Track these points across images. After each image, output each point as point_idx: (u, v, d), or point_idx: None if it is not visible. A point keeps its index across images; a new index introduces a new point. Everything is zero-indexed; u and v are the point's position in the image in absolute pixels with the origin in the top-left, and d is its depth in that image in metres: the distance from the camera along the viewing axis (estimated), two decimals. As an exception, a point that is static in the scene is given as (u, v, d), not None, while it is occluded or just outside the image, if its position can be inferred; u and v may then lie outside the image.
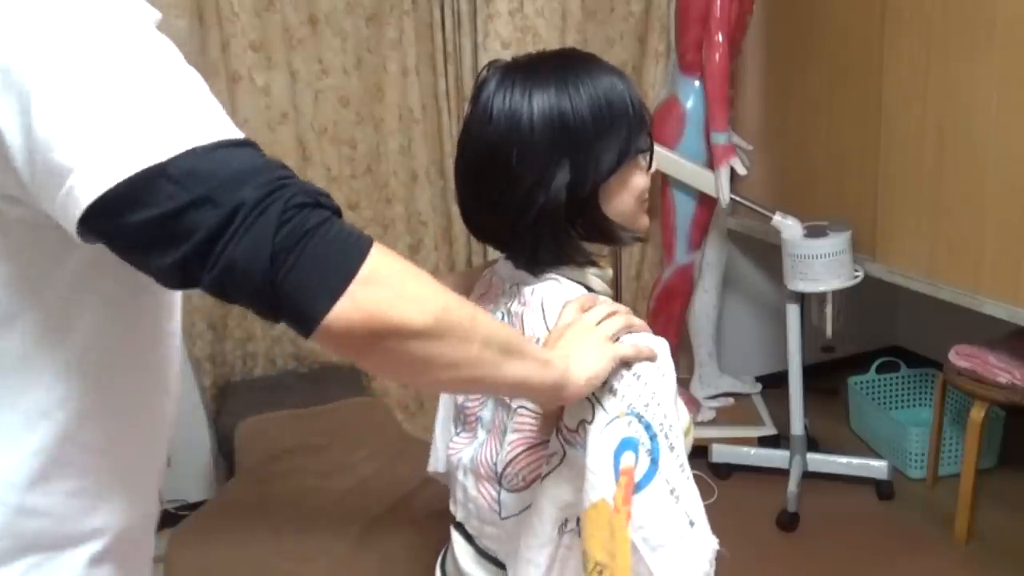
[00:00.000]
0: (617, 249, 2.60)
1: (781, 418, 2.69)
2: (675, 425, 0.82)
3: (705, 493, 2.78)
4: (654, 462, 0.80)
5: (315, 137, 2.57)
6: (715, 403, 2.93)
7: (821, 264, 2.31)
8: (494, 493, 0.96)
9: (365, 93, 2.60)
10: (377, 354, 0.65)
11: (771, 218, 2.43)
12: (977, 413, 2.26)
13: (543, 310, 0.93)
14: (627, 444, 0.80)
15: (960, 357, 2.29)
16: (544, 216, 0.91)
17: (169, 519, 2.43)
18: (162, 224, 0.59)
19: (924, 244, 2.22)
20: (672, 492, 0.80)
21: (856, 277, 2.35)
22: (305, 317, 0.61)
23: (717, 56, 2.41)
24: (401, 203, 2.72)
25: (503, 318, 0.98)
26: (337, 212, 0.64)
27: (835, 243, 2.30)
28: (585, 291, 0.96)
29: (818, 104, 2.53)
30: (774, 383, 3.00)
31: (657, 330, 0.89)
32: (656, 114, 2.61)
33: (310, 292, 0.60)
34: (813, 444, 2.70)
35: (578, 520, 0.86)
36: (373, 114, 2.63)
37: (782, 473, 2.55)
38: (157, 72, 0.62)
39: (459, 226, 2.36)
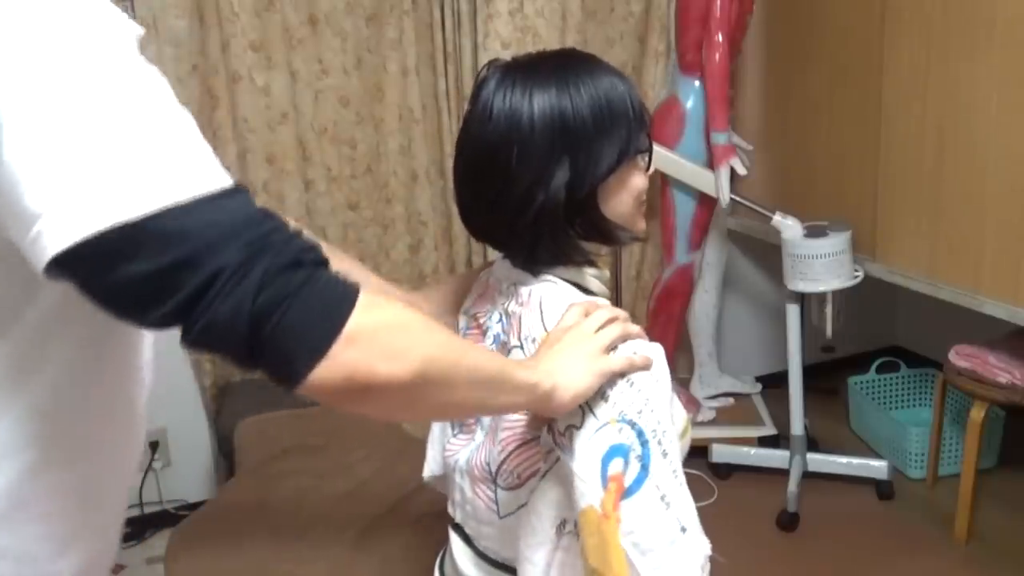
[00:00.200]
0: (617, 249, 2.60)
1: (781, 418, 2.69)
2: (669, 431, 0.82)
3: (705, 493, 2.77)
4: (644, 468, 0.80)
5: (315, 137, 2.57)
6: (715, 403, 2.93)
7: (821, 264, 2.31)
8: (491, 493, 0.96)
9: (365, 93, 2.60)
10: (362, 406, 0.66)
11: (771, 218, 2.43)
12: (977, 413, 2.26)
13: (541, 310, 0.93)
14: (616, 451, 0.81)
15: (960, 357, 2.29)
16: (543, 215, 0.91)
17: (169, 519, 2.43)
18: (138, 282, 0.56)
19: (924, 244, 2.21)
20: (663, 498, 0.80)
21: (856, 277, 2.34)
22: (287, 378, 0.62)
23: (717, 56, 2.40)
24: (401, 203, 2.72)
25: (501, 318, 0.98)
26: (322, 264, 0.63)
27: (835, 243, 2.30)
28: (581, 293, 0.96)
29: (818, 104, 2.53)
30: (774, 383, 3.00)
31: (657, 330, 0.89)
32: (656, 114, 2.61)
33: (291, 355, 0.60)
34: (813, 444, 2.70)
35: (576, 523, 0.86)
36: (373, 114, 2.63)
37: (782, 473, 2.55)
38: (139, 111, 0.59)
39: (459, 226, 2.36)
